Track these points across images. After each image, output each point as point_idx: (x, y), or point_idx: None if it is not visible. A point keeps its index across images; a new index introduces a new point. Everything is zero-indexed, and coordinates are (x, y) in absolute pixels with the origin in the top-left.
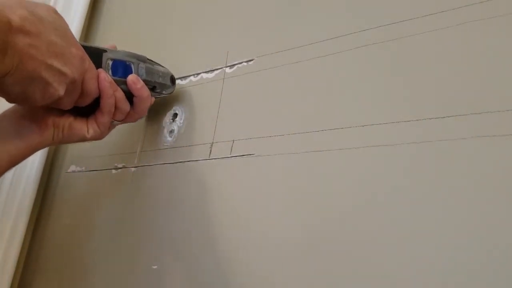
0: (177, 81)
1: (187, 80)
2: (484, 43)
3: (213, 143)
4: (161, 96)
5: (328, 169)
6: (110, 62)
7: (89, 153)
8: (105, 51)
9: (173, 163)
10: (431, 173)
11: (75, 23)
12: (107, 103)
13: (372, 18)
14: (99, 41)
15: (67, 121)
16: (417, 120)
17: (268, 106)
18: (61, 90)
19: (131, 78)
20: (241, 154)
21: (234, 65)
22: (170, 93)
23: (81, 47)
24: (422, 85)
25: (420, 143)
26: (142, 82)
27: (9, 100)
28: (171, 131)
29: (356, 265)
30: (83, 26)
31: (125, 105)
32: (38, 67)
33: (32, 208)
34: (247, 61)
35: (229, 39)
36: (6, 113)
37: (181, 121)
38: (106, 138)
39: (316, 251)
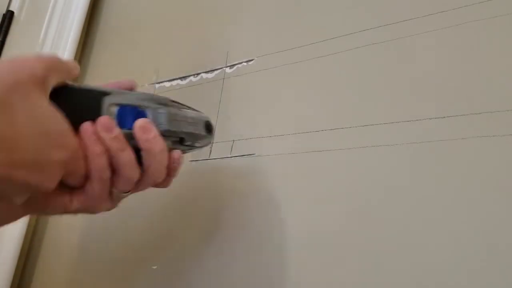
0: (177, 81)
1: (187, 80)
2: (484, 43)
3: (213, 143)
4: (193, 150)
5: (328, 169)
6: (115, 109)
7: None
8: (107, 93)
9: None
10: (431, 173)
11: (75, 23)
12: (94, 167)
13: (372, 18)
14: (98, 42)
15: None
16: (417, 120)
17: (268, 106)
18: (18, 200)
19: (139, 123)
20: (241, 154)
21: (234, 65)
22: (206, 145)
23: (70, 139)
24: (422, 85)
25: (420, 143)
26: (155, 131)
27: None
28: None
29: (355, 266)
30: (83, 27)
31: (133, 172)
32: None
33: None
34: (247, 61)
35: (229, 39)
36: None
37: None
38: None
39: (318, 250)
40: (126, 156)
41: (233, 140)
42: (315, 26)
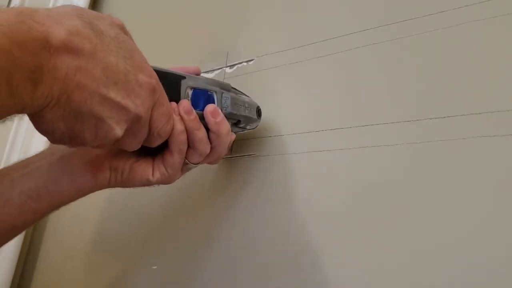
0: None
1: None
2: (484, 43)
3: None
4: (244, 131)
5: (328, 169)
6: (190, 92)
7: None
8: (183, 77)
9: None
10: (431, 173)
11: None
12: (176, 141)
13: (372, 18)
14: None
15: (128, 163)
16: (417, 120)
17: (268, 106)
18: (118, 130)
19: (209, 109)
20: (241, 154)
21: (234, 65)
22: (254, 128)
23: (154, 72)
24: (422, 85)
25: (420, 143)
26: (222, 115)
27: (53, 140)
28: None
29: (354, 266)
30: None
31: (206, 147)
32: (88, 98)
33: None
34: (247, 61)
35: (229, 39)
36: (61, 146)
37: None
38: None
39: (317, 250)
40: (201, 134)
41: (233, 140)
42: (315, 26)
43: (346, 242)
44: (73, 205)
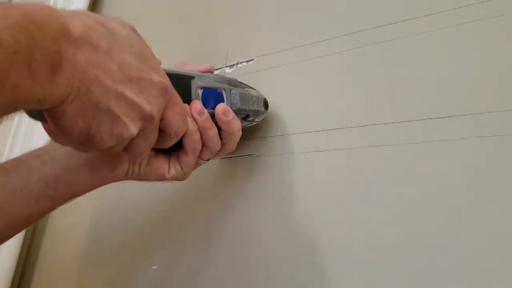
0: None
1: None
2: (484, 43)
3: None
4: (252, 124)
5: (328, 169)
6: (200, 91)
7: None
8: (193, 77)
9: None
10: (431, 173)
11: None
12: (190, 141)
13: (372, 18)
14: None
15: (145, 159)
16: (417, 120)
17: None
18: (133, 128)
19: (220, 109)
20: (241, 154)
21: (234, 65)
22: (261, 120)
23: (164, 73)
24: (422, 85)
25: (420, 143)
26: (232, 113)
27: (69, 139)
28: None
29: (352, 268)
30: None
31: (217, 144)
32: (106, 93)
33: None
34: (247, 61)
35: (229, 39)
36: None
37: None
38: None
39: (316, 250)
40: (213, 133)
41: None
42: (315, 26)
43: (347, 242)
44: (74, 205)
